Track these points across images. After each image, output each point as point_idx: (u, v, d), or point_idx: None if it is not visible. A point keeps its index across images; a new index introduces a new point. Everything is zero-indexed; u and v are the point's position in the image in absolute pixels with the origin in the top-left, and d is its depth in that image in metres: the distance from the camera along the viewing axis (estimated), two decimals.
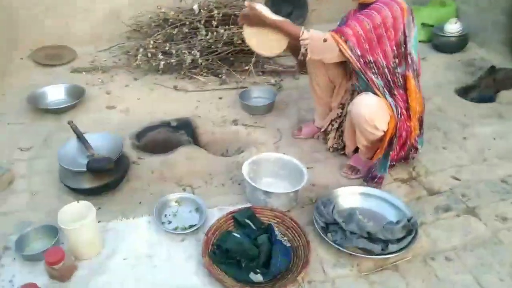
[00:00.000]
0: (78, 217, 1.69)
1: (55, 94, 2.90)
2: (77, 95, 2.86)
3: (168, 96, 2.99)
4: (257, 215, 1.87)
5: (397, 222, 1.81)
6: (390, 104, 2.00)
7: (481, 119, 2.63)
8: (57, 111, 2.74)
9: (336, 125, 2.37)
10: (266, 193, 1.92)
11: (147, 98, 2.97)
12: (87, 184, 1.99)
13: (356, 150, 2.26)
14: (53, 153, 2.34)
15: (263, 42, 2.10)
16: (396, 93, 2.07)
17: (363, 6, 2.01)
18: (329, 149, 2.41)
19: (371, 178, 2.15)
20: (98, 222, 1.89)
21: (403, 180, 2.21)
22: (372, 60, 1.98)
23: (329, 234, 1.82)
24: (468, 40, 3.42)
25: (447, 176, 2.22)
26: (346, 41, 1.92)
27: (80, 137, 2.10)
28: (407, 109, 2.09)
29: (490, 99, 2.86)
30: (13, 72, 3.25)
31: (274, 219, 1.87)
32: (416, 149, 2.21)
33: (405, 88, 2.07)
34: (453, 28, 3.34)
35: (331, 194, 2.00)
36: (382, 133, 2.02)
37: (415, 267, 1.75)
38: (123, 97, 2.97)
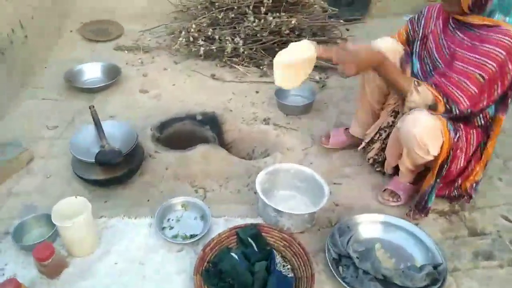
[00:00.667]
0: (73, 213, 1.61)
1: (92, 72, 2.87)
2: (113, 75, 2.81)
3: (203, 84, 2.85)
4: (263, 234, 1.70)
5: (421, 268, 1.55)
6: (447, 125, 1.65)
7: None
8: (91, 91, 2.71)
9: (384, 135, 2.06)
10: (278, 211, 1.73)
11: (182, 85, 2.85)
12: (95, 175, 1.92)
13: (396, 169, 1.99)
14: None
15: (293, 75, 1.76)
16: (461, 125, 1.74)
17: (461, 23, 1.67)
18: (368, 160, 2.14)
19: (422, 209, 1.84)
20: (100, 217, 1.83)
21: (442, 212, 1.92)
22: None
23: (340, 268, 1.61)
24: None
25: (497, 215, 1.90)
26: (456, 111, 1.63)
27: (97, 125, 2.03)
28: (479, 148, 1.79)
29: None
30: (60, 45, 3.27)
31: (281, 242, 1.68)
32: (470, 197, 1.89)
33: (486, 128, 1.77)
34: None
35: (351, 221, 1.76)
36: (432, 158, 1.71)
37: None
38: (159, 81, 2.87)
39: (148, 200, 1.96)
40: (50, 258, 1.54)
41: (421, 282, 1.49)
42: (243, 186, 2.06)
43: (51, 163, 2.15)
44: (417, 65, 1.89)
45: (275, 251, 1.61)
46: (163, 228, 1.79)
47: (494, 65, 1.53)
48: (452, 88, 1.60)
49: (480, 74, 1.55)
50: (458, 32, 1.67)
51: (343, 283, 1.53)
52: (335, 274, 1.56)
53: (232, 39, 2.96)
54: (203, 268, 1.57)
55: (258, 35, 3.02)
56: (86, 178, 1.95)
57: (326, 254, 1.64)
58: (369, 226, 1.77)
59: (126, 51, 3.21)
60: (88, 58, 3.05)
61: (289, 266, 1.60)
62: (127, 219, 1.83)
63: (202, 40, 3.01)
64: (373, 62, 1.66)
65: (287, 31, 3.01)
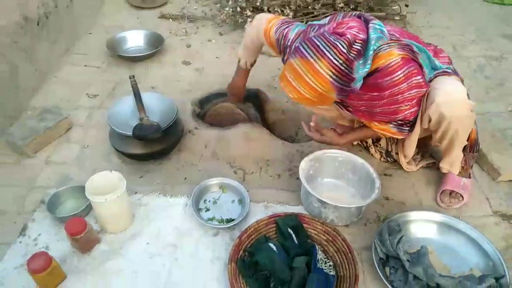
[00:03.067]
0: (108, 188, 1.54)
1: (134, 40, 2.78)
2: (156, 44, 2.71)
3: None
4: (304, 225, 1.57)
5: (481, 279, 1.38)
6: None
7: None
8: (133, 59, 2.63)
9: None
10: (322, 202, 1.59)
11: (226, 58, 2.72)
12: (133, 149, 1.85)
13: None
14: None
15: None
16: None
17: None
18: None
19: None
20: (135, 193, 1.76)
21: (506, 216, 1.71)
22: None
23: (387, 269, 1.46)
24: None
25: None
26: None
27: (136, 97, 1.94)
28: None
29: None
30: (105, 11, 3.20)
31: (324, 236, 1.55)
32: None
33: None
34: None
35: (402, 218, 1.60)
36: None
37: None
38: (202, 53, 2.75)
39: (185, 178, 1.87)
40: (82, 233, 1.48)
41: None
42: (284, 171, 1.93)
43: (89, 133, 2.10)
44: None
45: (317, 246, 1.48)
46: (199, 210, 1.70)
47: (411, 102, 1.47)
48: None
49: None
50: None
51: (390, 287, 1.39)
52: (382, 276, 1.42)
53: (282, 11, 2.78)
54: (238, 256, 1.47)
55: (310, 7, 2.82)
56: (122, 151, 1.88)
57: (373, 253, 1.49)
58: (423, 225, 1.60)
59: (171, 20, 3.11)
60: (132, 26, 2.97)
61: (331, 263, 1.46)
62: (162, 196, 1.76)
63: (250, 10, 2.84)
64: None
65: (342, 4, 2.79)
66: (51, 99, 2.29)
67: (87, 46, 2.78)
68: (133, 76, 2.05)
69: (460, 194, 1.73)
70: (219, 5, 3.13)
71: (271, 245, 1.48)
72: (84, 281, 1.45)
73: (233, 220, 1.64)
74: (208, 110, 2.24)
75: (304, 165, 1.71)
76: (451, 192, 1.75)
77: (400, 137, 1.68)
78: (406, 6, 3.16)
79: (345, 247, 1.49)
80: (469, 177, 1.77)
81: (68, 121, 2.11)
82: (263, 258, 1.43)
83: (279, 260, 1.42)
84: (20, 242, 1.58)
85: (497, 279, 1.38)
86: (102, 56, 2.69)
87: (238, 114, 2.23)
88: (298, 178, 1.85)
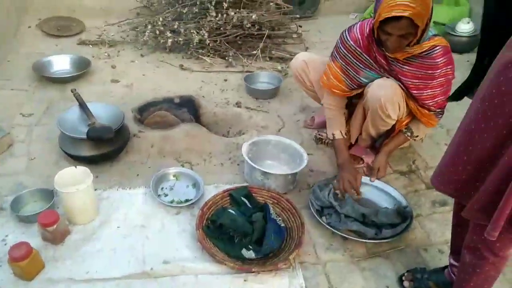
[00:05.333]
0: (74, 182, 1.68)
1: (61, 64, 2.89)
2: (83, 67, 2.85)
3: (173, 74, 2.98)
4: (253, 194, 1.87)
5: (392, 208, 1.81)
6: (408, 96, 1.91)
7: None
8: (62, 81, 2.74)
9: None
10: (264, 173, 1.92)
11: (152, 75, 2.96)
12: (86, 152, 1.99)
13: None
14: (54, 121, 2.32)
15: None
16: None
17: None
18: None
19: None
20: (94, 190, 1.90)
21: (402, 172, 2.21)
22: None
23: (323, 217, 1.82)
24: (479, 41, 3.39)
25: None
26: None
27: (83, 105, 2.10)
28: None
29: None
30: (20, 40, 3.24)
31: (270, 200, 1.86)
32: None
33: None
34: (465, 28, 3.32)
35: (329, 180, 1.99)
36: (393, 122, 1.96)
37: (407, 257, 1.75)
38: (128, 72, 2.96)
39: (138, 175, 2.06)
40: (55, 224, 1.60)
41: (394, 218, 1.75)
42: (226, 160, 2.22)
43: (32, 147, 2.18)
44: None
45: (269, 204, 1.79)
46: (158, 196, 1.90)
47: (450, 78, 1.83)
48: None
49: (440, 99, 1.86)
50: (404, 66, 1.81)
51: (328, 227, 1.75)
52: (321, 221, 1.77)
53: (198, 32, 3.12)
54: (203, 224, 1.71)
55: (221, 28, 3.21)
56: (75, 154, 2.00)
57: (311, 207, 1.85)
58: None
59: (91, 45, 3.26)
60: (53, 52, 3.06)
61: (280, 218, 1.78)
62: (121, 190, 1.93)
63: (169, 33, 3.13)
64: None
65: (249, 25, 3.23)
66: None
67: (8, 71, 2.81)
68: (75, 89, 2.21)
69: (361, 158, 2.19)
70: (137, 29, 3.36)
71: (230, 210, 1.76)
72: (64, 266, 1.57)
73: (191, 199, 1.88)
74: (146, 118, 2.45)
75: (245, 148, 2.02)
76: (354, 156, 2.19)
77: (434, 125, 1.97)
78: (300, 26, 3.71)
79: (289, 204, 1.83)
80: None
81: (9, 137, 2.16)
82: (226, 220, 1.69)
83: (239, 218, 1.70)
84: None
85: (404, 208, 1.82)
86: (28, 80, 2.74)
87: (173, 120, 2.48)
88: (238, 164, 2.18)
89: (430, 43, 1.77)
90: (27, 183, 1.93)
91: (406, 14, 1.56)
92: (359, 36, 1.85)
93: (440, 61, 1.78)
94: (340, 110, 2.09)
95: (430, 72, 1.79)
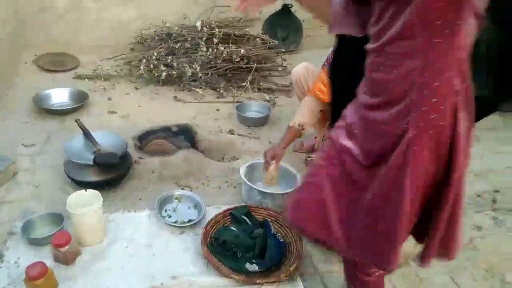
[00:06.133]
0: (85, 204, 1.78)
1: (60, 96, 3.01)
2: (81, 99, 2.97)
3: (167, 105, 3.13)
4: (252, 213, 2.00)
5: None
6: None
7: None
8: (61, 113, 2.85)
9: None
10: (262, 193, 2.06)
11: (147, 106, 3.10)
12: (91, 177, 2.09)
13: None
14: (56, 150, 2.45)
15: None
16: None
17: None
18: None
19: None
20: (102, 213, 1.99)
21: None
22: None
23: None
24: None
25: None
26: None
27: (87, 134, 2.21)
28: None
29: None
30: (18, 75, 3.35)
31: (269, 217, 1.99)
32: None
33: None
34: None
35: None
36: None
37: (398, 267, 1.88)
38: (124, 104, 3.09)
39: (140, 199, 2.16)
40: (67, 245, 1.69)
41: None
42: (223, 183, 2.35)
43: (37, 175, 2.26)
44: None
45: (268, 221, 1.92)
46: (163, 217, 2.00)
47: None
48: None
49: None
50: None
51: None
52: None
53: (190, 66, 3.30)
54: (208, 242, 1.82)
55: (212, 62, 3.40)
56: (81, 180, 2.10)
57: None
58: None
59: (87, 79, 3.39)
60: (50, 86, 3.17)
61: (279, 234, 1.90)
62: (127, 212, 2.02)
63: (162, 66, 3.30)
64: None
65: (238, 59, 3.43)
66: None
67: (9, 105, 2.91)
68: (79, 119, 2.33)
69: None
70: (132, 63, 3.52)
71: (232, 228, 1.87)
72: (77, 285, 1.64)
73: (193, 220, 1.99)
74: (145, 146, 2.58)
75: (242, 171, 2.16)
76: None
77: None
78: (285, 60, 3.94)
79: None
80: None
81: (14, 166, 2.25)
82: (229, 237, 1.81)
83: (241, 234, 1.81)
84: (1, 267, 1.69)
85: None
86: (27, 112, 2.85)
87: (170, 148, 2.61)
88: (235, 187, 2.31)
89: None
90: (34, 209, 2.01)
91: None
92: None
93: None
94: (313, 112, 2.23)
95: None
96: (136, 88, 3.34)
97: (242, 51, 3.44)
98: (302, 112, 2.22)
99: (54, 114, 2.84)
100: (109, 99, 3.14)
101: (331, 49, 2.35)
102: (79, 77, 3.41)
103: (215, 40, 3.45)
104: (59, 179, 2.21)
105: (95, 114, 2.93)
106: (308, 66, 2.47)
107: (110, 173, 2.12)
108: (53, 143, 2.55)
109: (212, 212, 2.05)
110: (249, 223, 1.93)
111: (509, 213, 2.22)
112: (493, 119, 3.05)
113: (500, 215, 2.21)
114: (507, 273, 1.86)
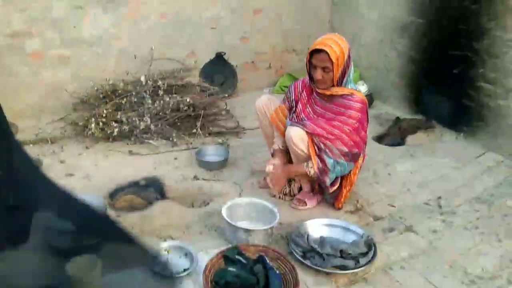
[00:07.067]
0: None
1: None
2: None
3: (124, 160, 3.14)
4: (243, 251, 2.11)
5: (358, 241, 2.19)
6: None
7: (398, 159, 3.23)
8: None
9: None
10: (247, 231, 2.19)
11: (104, 164, 3.08)
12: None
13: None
14: None
15: None
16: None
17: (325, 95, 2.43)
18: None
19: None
20: None
21: (352, 211, 2.63)
22: None
23: (307, 260, 2.12)
24: (374, 98, 4.17)
25: (384, 204, 2.70)
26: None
27: None
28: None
29: (400, 143, 3.52)
30: None
31: (258, 253, 2.11)
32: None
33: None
34: (361, 88, 4.05)
35: (302, 227, 2.32)
36: (306, 154, 2.42)
37: (379, 277, 2.11)
38: (80, 165, 3.05)
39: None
40: None
41: (364, 247, 2.13)
42: (203, 228, 2.43)
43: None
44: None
45: (263, 255, 2.04)
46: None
47: (355, 121, 2.38)
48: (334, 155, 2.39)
49: (348, 128, 2.37)
50: (326, 103, 2.44)
51: (316, 267, 2.06)
52: (309, 264, 2.08)
53: (141, 119, 3.36)
54: (210, 286, 1.89)
55: (161, 113, 3.50)
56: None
57: (295, 254, 2.14)
58: (316, 228, 2.33)
59: (31, 145, 3.28)
60: None
61: (275, 266, 2.03)
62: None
63: (113, 122, 3.32)
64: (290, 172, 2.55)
65: (186, 108, 3.57)
66: None
67: None
68: None
69: (305, 201, 2.61)
70: (80, 124, 3.47)
71: (230, 269, 1.97)
72: None
73: (189, 268, 2.05)
74: (114, 203, 2.57)
75: (224, 212, 2.28)
76: (299, 199, 2.64)
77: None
78: (226, 104, 4.14)
79: (277, 254, 2.09)
80: (319, 194, 2.66)
81: None
82: (230, 277, 1.90)
83: (241, 273, 1.92)
84: None
85: (367, 237, 2.21)
86: None
87: (139, 202, 2.65)
88: (216, 230, 2.41)
89: (351, 90, 2.40)
90: None
91: (325, 48, 2.27)
92: (301, 84, 2.62)
93: (354, 104, 2.38)
94: (283, 139, 2.57)
95: (343, 109, 2.39)
96: (87, 147, 3.30)
97: (188, 99, 3.59)
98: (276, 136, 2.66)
99: None
100: (62, 161, 3.08)
101: (289, 86, 2.65)
102: (22, 143, 3.28)
103: (161, 92, 3.57)
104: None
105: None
106: (271, 97, 2.76)
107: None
108: None
109: (203, 257, 2.12)
110: (244, 261, 2.04)
111: (454, 214, 2.59)
112: (420, 136, 3.53)
113: (447, 217, 2.56)
114: (467, 265, 2.18)
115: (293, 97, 2.61)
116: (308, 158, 2.41)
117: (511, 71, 3.09)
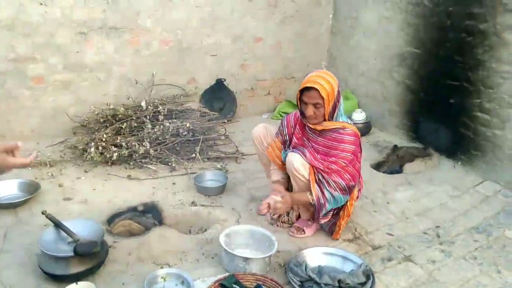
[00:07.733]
0: None
1: (8, 189, 2.88)
2: (31, 190, 2.87)
3: (123, 185, 3.14)
4: (240, 280, 2.09)
5: (356, 271, 2.17)
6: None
7: (397, 187, 3.24)
8: (12, 206, 2.72)
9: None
10: (245, 259, 2.17)
11: (103, 188, 3.08)
12: (72, 269, 2.04)
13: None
14: (19, 246, 2.35)
15: None
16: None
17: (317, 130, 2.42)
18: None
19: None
20: None
21: (350, 240, 2.62)
22: None
23: None
24: (371, 126, 4.21)
25: (383, 233, 2.68)
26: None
27: (59, 225, 2.17)
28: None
29: (398, 171, 3.53)
30: None
31: (256, 282, 2.09)
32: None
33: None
34: (359, 116, 4.11)
35: (299, 256, 2.30)
36: (307, 180, 2.41)
37: None
38: (78, 188, 3.04)
39: (123, 284, 2.14)
40: None
41: (362, 277, 2.10)
42: (200, 255, 2.41)
43: (5, 277, 2.13)
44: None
45: (261, 284, 2.02)
46: None
47: (349, 154, 2.38)
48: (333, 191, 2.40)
49: (343, 162, 2.38)
50: (319, 137, 2.43)
51: None
52: None
53: (141, 144, 3.38)
54: None
55: (160, 138, 3.52)
56: (61, 274, 2.03)
57: (293, 283, 2.12)
58: (314, 257, 2.31)
59: (30, 168, 3.27)
60: None
61: None
62: None
63: (112, 146, 3.34)
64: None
65: (185, 133, 3.59)
66: None
67: None
68: (46, 211, 2.28)
69: (303, 229, 2.60)
70: (79, 147, 3.48)
71: None
72: None
73: None
74: (112, 229, 2.56)
75: (222, 240, 2.27)
76: (298, 227, 2.63)
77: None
78: (225, 129, 4.18)
79: (274, 283, 2.08)
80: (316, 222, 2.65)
81: None
82: None
83: None
84: None
85: (366, 266, 2.19)
86: None
87: (136, 228, 2.64)
88: (213, 257, 2.39)
89: (342, 124, 2.41)
90: None
91: (315, 86, 2.27)
92: (293, 118, 2.59)
93: (347, 138, 2.39)
94: (281, 171, 2.62)
95: (336, 143, 2.39)
96: (86, 171, 3.30)
97: (187, 124, 3.62)
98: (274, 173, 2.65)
99: (6, 209, 2.70)
100: (60, 185, 3.07)
101: (281, 120, 2.66)
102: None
103: (161, 117, 3.60)
104: (32, 278, 2.11)
105: (50, 203, 2.83)
106: (267, 127, 2.76)
107: (90, 262, 2.09)
108: (12, 238, 2.42)
109: (199, 285, 2.10)
110: None
111: (452, 244, 2.58)
112: (418, 164, 3.54)
113: (446, 247, 2.55)
114: None
115: (286, 131, 2.60)
116: (308, 186, 2.42)
117: (506, 102, 3.14)
